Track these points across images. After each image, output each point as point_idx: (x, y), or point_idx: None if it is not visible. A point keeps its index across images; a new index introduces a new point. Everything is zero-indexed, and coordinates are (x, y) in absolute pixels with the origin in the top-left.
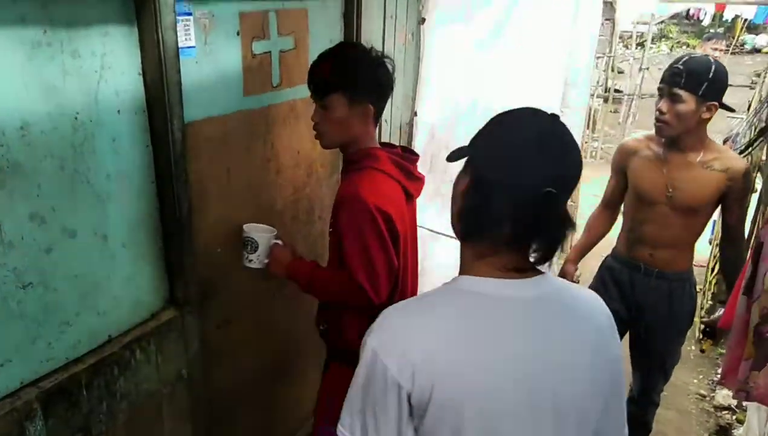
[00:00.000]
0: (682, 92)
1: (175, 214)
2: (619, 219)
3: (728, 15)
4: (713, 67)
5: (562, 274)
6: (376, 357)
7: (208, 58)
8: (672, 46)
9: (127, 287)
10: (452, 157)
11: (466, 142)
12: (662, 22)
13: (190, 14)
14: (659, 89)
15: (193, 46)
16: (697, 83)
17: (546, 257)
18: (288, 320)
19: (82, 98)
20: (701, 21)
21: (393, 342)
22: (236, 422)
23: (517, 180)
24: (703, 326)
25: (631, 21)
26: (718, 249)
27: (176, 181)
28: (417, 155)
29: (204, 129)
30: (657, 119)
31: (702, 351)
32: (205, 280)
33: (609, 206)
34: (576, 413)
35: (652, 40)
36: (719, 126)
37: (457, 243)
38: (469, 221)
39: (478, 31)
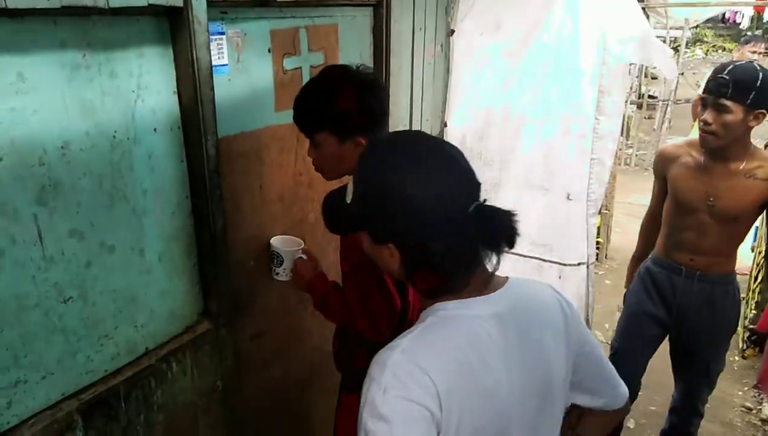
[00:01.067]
0: (729, 103)
1: (210, 229)
2: None
3: None
4: (761, 75)
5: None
6: (389, 392)
7: (241, 75)
8: (707, 51)
9: (163, 300)
10: (339, 230)
11: (498, 152)
12: (697, 26)
13: (223, 33)
14: (703, 99)
15: (226, 64)
16: (745, 93)
17: (512, 245)
18: (320, 332)
19: (120, 117)
20: (738, 24)
21: (405, 374)
22: (269, 433)
23: (443, 219)
24: (748, 333)
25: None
26: (762, 257)
27: (210, 196)
28: None
29: (237, 144)
30: (702, 130)
31: (744, 357)
32: (238, 293)
33: (657, 212)
34: (560, 398)
35: (687, 44)
36: (761, 130)
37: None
38: (426, 283)
39: (509, 41)
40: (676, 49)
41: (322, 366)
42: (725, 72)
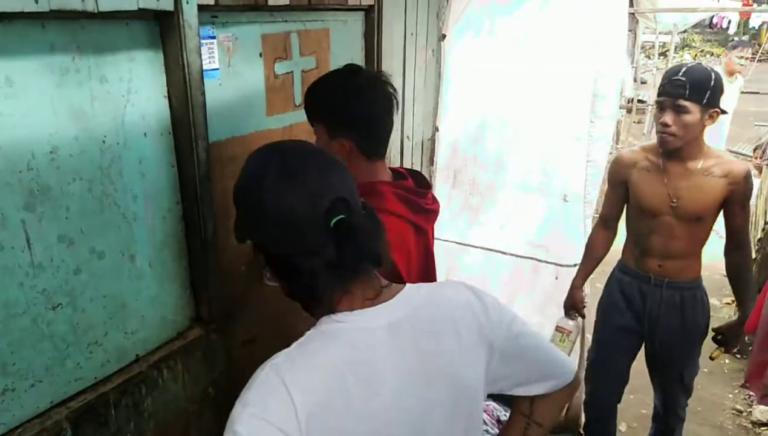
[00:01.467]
0: (687, 103)
1: (200, 234)
2: (622, 232)
3: (754, 22)
4: (713, 75)
5: (572, 301)
6: (248, 410)
7: (232, 79)
8: (695, 55)
9: (154, 306)
10: (237, 237)
11: (494, 155)
12: (685, 31)
13: (213, 37)
14: (659, 102)
15: (217, 69)
16: (701, 93)
17: (379, 264)
18: None
19: (110, 122)
20: (726, 29)
21: (268, 393)
22: None
23: (303, 233)
24: (713, 334)
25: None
26: (723, 255)
27: (201, 201)
28: (429, 187)
29: (228, 149)
30: (661, 132)
31: (711, 359)
32: (230, 298)
33: (609, 224)
34: (475, 401)
35: (675, 49)
36: (748, 135)
37: (484, 253)
38: (293, 294)
39: (502, 45)
40: (664, 54)
41: None
42: (680, 74)
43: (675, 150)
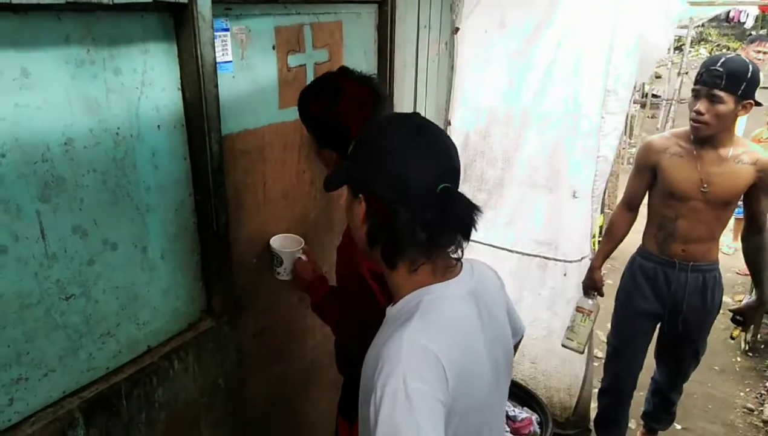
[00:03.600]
0: (722, 93)
1: (213, 226)
2: (642, 217)
3: None
4: (750, 67)
5: (591, 281)
6: (408, 383)
7: (245, 72)
8: (711, 50)
9: (166, 297)
10: (331, 185)
11: (502, 150)
12: (702, 25)
13: (227, 30)
14: (695, 90)
15: (230, 61)
16: (737, 84)
17: (461, 246)
18: (321, 329)
19: (124, 114)
20: (743, 23)
21: (421, 364)
22: (270, 431)
23: (413, 188)
24: (732, 314)
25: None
26: (741, 239)
27: (214, 194)
28: None
29: (241, 142)
30: (695, 120)
31: (732, 338)
32: (241, 290)
33: (632, 207)
34: (510, 371)
35: (691, 43)
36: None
37: (491, 250)
38: (384, 243)
39: (515, 39)
40: (680, 48)
41: (324, 364)
42: (718, 64)
43: (707, 138)
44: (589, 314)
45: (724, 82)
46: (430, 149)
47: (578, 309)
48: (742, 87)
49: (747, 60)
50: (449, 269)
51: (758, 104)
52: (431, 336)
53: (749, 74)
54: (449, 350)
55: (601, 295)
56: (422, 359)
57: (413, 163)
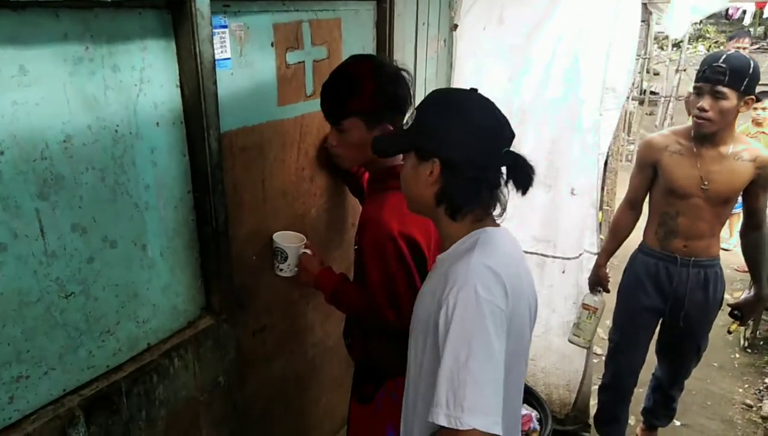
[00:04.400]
0: (726, 89)
1: (212, 224)
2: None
3: None
4: (752, 63)
5: (597, 278)
6: (479, 293)
7: (244, 69)
8: (709, 47)
9: (165, 295)
10: (395, 149)
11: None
12: (700, 22)
13: (225, 27)
14: (697, 87)
15: (229, 58)
16: (739, 80)
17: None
18: (321, 326)
19: (122, 111)
20: (741, 20)
21: (488, 279)
22: (271, 429)
23: (484, 151)
24: (730, 309)
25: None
26: (740, 235)
27: (213, 191)
28: None
29: (239, 139)
30: (698, 117)
31: (729, 332)
32: (241, 288)
33: (635, 205)
34: (532, 322)
35: (689, 40)
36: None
37: None
38: (456, 198)
39: (513, 35)
40: (678, 45)
41: (324, 361)
42: (721, 60)
43: (709, 135)
44: (595, 311)
45: (728, 79)
46: (495, 118)
47: (584, 306)
48: (745, 82)
49: (747, 56)
50: (494, 219)
51: (758, 100)
52: (493, 261)
53: (751, 70)
54: (507, 275)
55: (607, 291)
56: (488, 276)
57: (484, 129)
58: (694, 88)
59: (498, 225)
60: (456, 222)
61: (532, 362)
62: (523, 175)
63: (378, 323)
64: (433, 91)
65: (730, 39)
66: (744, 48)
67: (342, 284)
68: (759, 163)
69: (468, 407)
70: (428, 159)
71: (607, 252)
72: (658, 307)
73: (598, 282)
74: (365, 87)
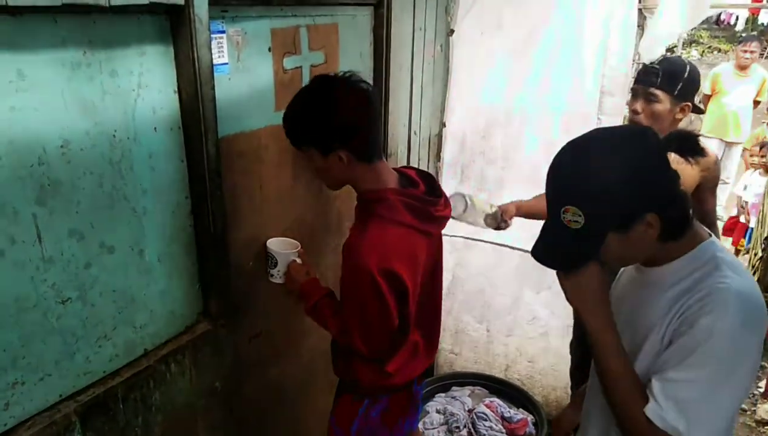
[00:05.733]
0: (658, 92)
1: (209, 229)
2: None
3: (764, 18)
4: (688, 67)
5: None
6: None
7: (241, 74)
8: (703, 52)
9: (163, 301)
10: (583, 257)
11: (502, 150)
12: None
13: (223, 32)
14: (633, 89)
15: (227, 63)
16: (673, 83)
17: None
18: (317, 332)
19: (120, 116)
20: (733, 26)
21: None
22: (267, 434)
23: (655, 165)
24: None
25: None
26: (757, 259)
27: (210, 196)
28: (441, 195)
29: (237, 144)
30: (631, 120)
31: None
32: (238, 293)
33: None
34: None
35: (683, 45)
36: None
37: (491, 247)
38: (675, 224)
39: (512, 40)
40: (672, 51)
41: (320, 366)
42: (656, 62)
43: None
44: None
45: (660, 80)
46: (635, 142)
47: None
48: (679, 87)
49: (686, 61)
50: (699, 226)
51: (698, 111)
52: (749, 284)
53: (686, 74)
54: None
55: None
56: (755, 311)
57: (652, 167)
58: (630, 90)
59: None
60: (677, 241)
61: (530, 363)
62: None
63: (350, 346)
64: (559, 159)
65: (739, 43)
66: (752, 52)
67: (323, 299)
68: (703, 165)
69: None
70: (636, 222)
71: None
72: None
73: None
74: (308, 117)
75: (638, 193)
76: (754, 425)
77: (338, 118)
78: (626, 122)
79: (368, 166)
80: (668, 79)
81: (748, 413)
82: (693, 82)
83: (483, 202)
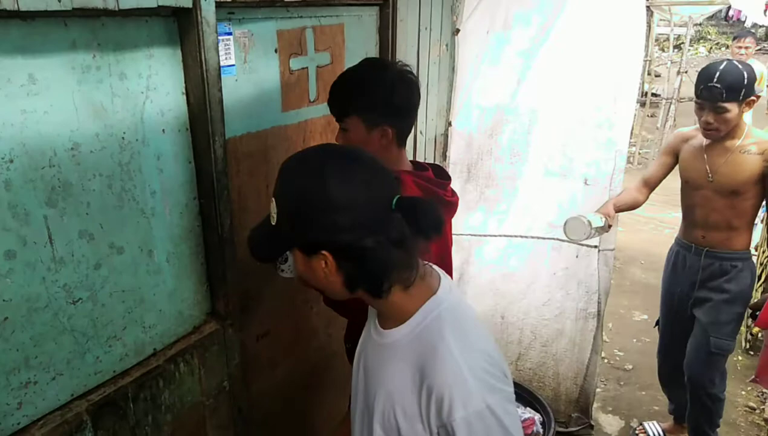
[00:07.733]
0: (725, 104)
1: (217, 229)
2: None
3: None
4: (745, 73)
5: (604, 208)
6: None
7: (248, 75)
8: (711, 48)
9: (171, 301)
10: (270, 254)
11: (510, 146)
12: (700, 23)
13: (230, 34)
14: (698, 103)
15: (233, 65)
16: (736, 93)
17: (440, 233)
18: (325, 331)
19: (129, 118)
20: (742, 21)
21: (487, 376)
22: (276, 433)
23: (371, 216)
24: (750, 311)
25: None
26: (765, 256)
27: (218, 197)
28: (449, 179)
29: (244, 145)
30: (705, 129)
31: (752, 335)
32: (246, 293)
33: (647, 184)
34: None
35: (690, 42)
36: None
37: (504, 240)
38: (366, 280)
39: (520, 38)
40: (679, 47)
41: (328, 365)
42: (715, 80)
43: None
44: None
45: (725, 95)
46: (364, 171)
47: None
48: (743, 93)
49: (740, 66)
50: (430, 271)
51: (737, 38)
52: (479, 345)
53: (746, 80)
54: (491, 348)
55: (610, 225)
56: (485, 370)
57: (357, 195)
58: (695, 103)
59: (436, 276)
60: (390, 296)
61: (544, 348)
62: (422, 222)
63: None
64: (283, 166)
65: (734, 39)
66: (747, 48)
67: None
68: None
69: None
70: (314, 253)
71: (612, 201)
72: (675, 290)
73: (603, 211)
74: (368, 88)
75: (306, 226)
76: (762, 423)
77: (398, 96)
78: (695, 126)
79: (398, 151)
80: (732, 92)
81: (757, 411)
82: (751, 81)
83: (597, 219)
